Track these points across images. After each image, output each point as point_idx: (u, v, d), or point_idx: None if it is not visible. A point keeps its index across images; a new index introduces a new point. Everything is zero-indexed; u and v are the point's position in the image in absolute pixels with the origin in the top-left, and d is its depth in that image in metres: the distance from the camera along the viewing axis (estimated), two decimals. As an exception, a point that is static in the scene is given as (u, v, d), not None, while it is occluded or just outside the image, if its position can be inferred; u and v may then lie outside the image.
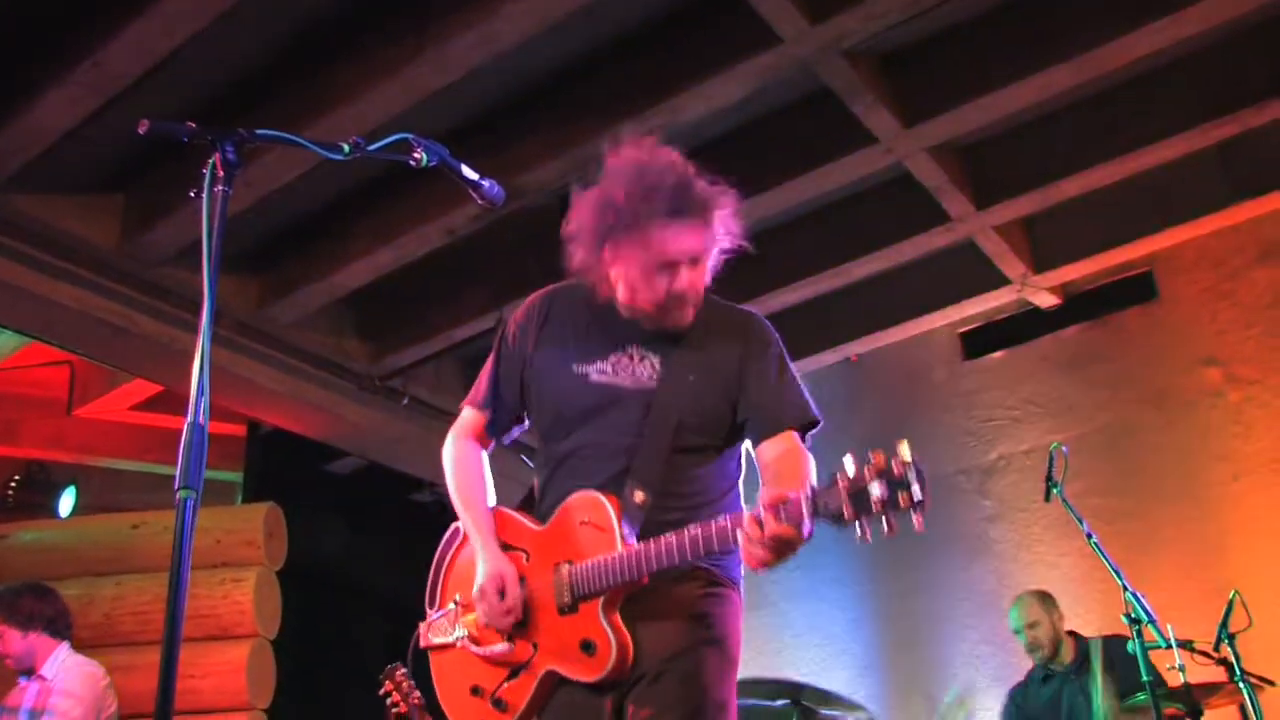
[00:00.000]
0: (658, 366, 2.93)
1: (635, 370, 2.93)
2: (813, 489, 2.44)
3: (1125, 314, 7.46)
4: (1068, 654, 5.90)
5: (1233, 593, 4.52)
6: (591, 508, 2.79)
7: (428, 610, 3.09)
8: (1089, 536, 4.63)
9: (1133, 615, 4.39)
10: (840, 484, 2.39)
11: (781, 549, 2.46)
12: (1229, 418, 6.93)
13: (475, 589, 2.87)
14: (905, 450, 2.35)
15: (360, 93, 5.15)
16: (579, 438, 2.93)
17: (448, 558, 3.11)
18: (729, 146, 6.05)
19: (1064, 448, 4.73)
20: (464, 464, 3.10)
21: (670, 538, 2.62)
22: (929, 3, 4.97)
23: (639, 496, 2.77)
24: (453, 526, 3.11)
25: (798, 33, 5.02)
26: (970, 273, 7.14)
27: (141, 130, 2.31)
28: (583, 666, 2.71)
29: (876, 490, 2.34)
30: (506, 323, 3.18)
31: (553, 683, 2.78)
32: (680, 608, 2.76)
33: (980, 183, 6.41)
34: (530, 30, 4.90)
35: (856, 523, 2.37)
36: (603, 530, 2.74)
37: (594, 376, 2.94)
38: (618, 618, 2.70)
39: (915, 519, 2.32)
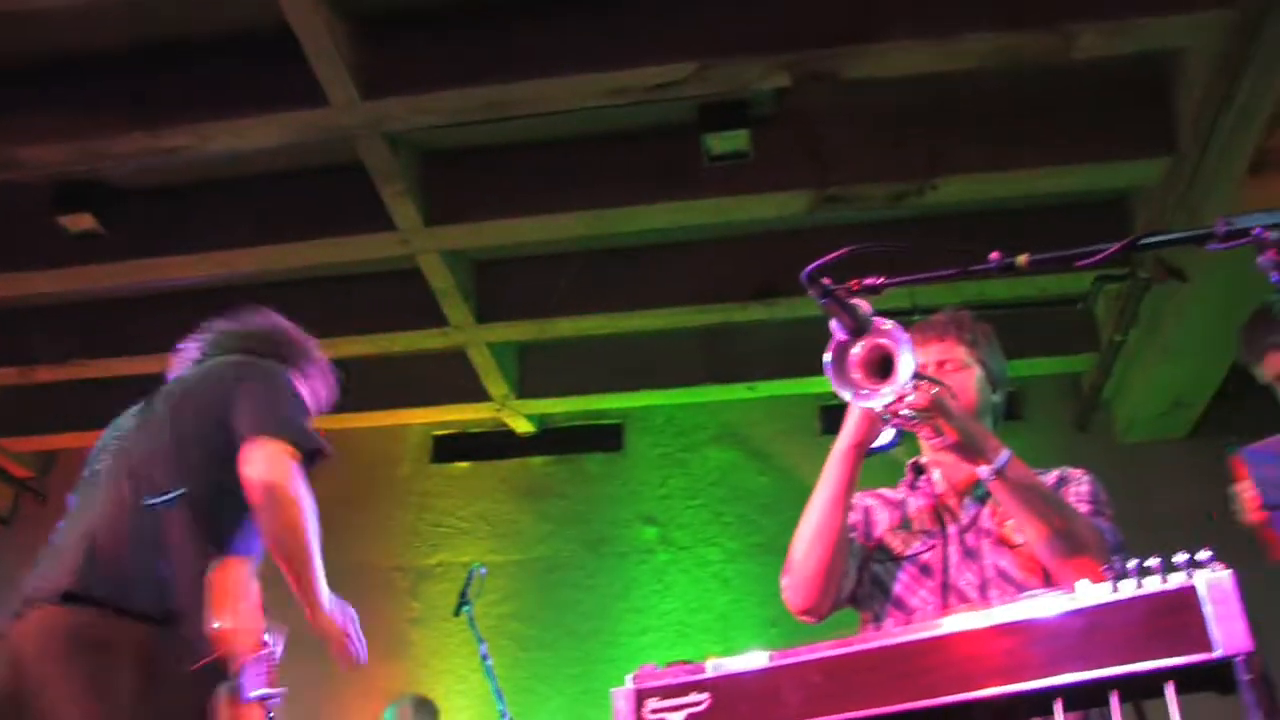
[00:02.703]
0: None
1: None
2: None
3: (590, 458, 7.83)
4: None
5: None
6: None
7: None
8: (484, 658, 4.76)
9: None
10: None
11: None
12: (654, 576, 7.40)
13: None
14: None
15: None
16: None
17: None
18: (255, 189, 5.94)
19: (483, 570, 4.87)
20: None
21: None
22: (472, 117, 5.11)
23: None
24: None
25: (347, 101, 4.99)
26: (456, 380, 7.25)
27: None
28: None
29: None
30: None
31: None
32: None
33: (485, 298, 6.57)
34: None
35: None
36: None
37: None
38: None
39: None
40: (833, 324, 2.11)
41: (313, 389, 3.42)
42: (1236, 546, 3.50)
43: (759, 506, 7.29)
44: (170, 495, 2.87)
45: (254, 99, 5.14)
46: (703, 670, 1.98)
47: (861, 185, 5.58)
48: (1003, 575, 2.48)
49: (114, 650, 2.71)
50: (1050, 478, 2.60)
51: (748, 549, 7.26)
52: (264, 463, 2.82)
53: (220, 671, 2.72)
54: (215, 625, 2.73)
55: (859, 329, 2.10)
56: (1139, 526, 3.13)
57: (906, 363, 2.11)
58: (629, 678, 2.04)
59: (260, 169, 5.83)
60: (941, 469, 2.70)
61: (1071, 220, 6.03)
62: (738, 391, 7.30)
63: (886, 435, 2.52)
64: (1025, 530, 2.40)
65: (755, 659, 1.96)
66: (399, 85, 5.02)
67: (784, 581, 2.59)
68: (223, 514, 2.93)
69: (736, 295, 6.37)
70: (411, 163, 5.59)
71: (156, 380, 3.50)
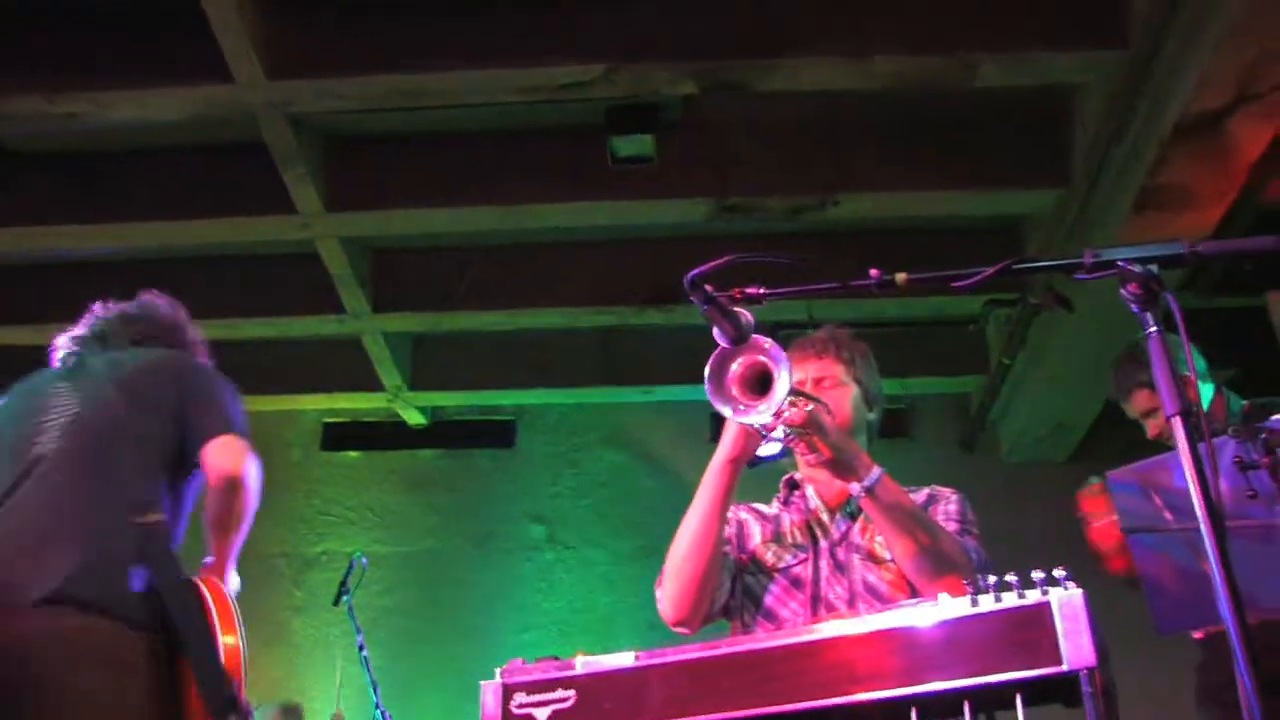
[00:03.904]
0: None
1: None
2: None
3: (482, 453, 7.82)
4: None
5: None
6: None
7: None
8: (360, 649, 4.73)
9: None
10: None
11: None
12: (538, 574, 7.42)
13: None
14: None
15: None
16: None
17: None
18: (156, 162, 5.85)
19: (364, 560, 4.84)
20: None
21: None
22: (378, 104, 5.09)
23: None
24: None
25: (252, 79, 4.92)
26: (350, 368, 7.20)
27: None
28: None
29: None
30: None
31: None
32: None
33: (383, 287, 6.53)
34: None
35: None
36: None
37: None
38: None
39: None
40: (714, 331, 2.14)
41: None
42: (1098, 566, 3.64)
43: (647, 510, 7.33)
44: (157, 516, 2.99)
45: (157, 70, 5.04)
46: (571, 667, 2.00)
47: (762, 197, 5.65)
48: (871, 590, 2.53)
49: (130, 667, 2.75)
50: (920, 496, 2.66)
51: (633, 551, 7.30)
52: (230, 456, 3.07)
53: (234, 696, 2.77)
54: (229, 647, 2.84)
55: (740, 337, 2.13)
56: (1017, 545, 3.22)
57: (784, 382, 2.15)
58: (498, 671, 2.05)
59: (163, 142, 5.75)
60: (815, 485, 2.75)
61: (968, 243, 6.16)
62: (632, 395, 7.34)
63: (773, 447, 2.56)
64: (893, 546, 2.46)
65: (622, 658, 1.99)
66: (306, 67, 4.97)
67: (659, 593, 2.61)
68: (175, 526, 3.11)
69: (634, 299, 6.41)
70: (315, 146, 5.54)
71: (40, 350, 3.45)
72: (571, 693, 1.98)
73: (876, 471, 2.44)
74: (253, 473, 3.10)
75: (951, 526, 2.57)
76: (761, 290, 2.00)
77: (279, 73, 4.93)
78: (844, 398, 2.70)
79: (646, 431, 7.57)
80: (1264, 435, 2.64)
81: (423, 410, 7.65)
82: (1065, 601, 1.75)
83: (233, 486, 3.03)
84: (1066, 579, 1.77)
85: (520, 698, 2.02)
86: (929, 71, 4.88)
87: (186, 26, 4.78)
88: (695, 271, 1.93)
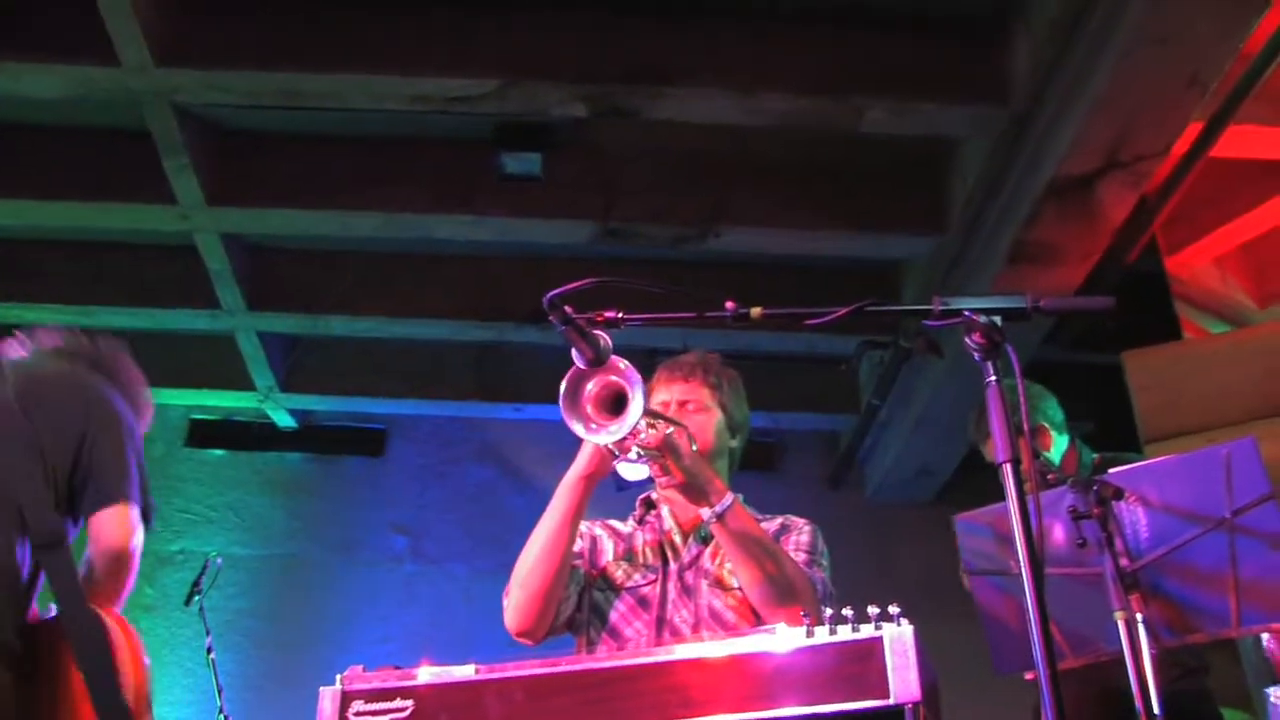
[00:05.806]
0: None
1: None
2: None
3: (351, 460, 7.73)
4: None
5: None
6: None
7: None
8: (208, 651, 4.66)
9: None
10: None
11: None
12: (399, 585, 7.36)
13: None
14: None
15: None
16: None
17: None
18: (31, 138, 5.70)
19: (219, 560, 4.76)
20: None
21: None
22: (267, 101, 5.03)
23: None
24: None
25: (139, 64, 4.82)
26: (221, 365, 7.07)
27: None
28: None
29: None
30: None
31: None
32: None
33: (260, 285, 6.42)
34: None
35: None
36: None
37: None
38: None
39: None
40: (572, 353, 2.16)
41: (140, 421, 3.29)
42: (957, 605, 3.73)
43: (513, 527, 7.18)
44: (56, 540, 2.72)
45: (38, 44, 4.90)
46: (412, 677, 2.01)
47: (645, 224, 5.69)
48: (715, 616, 2.56)
49: None
50: (773, 525, 2.71)
51: (496, 568, 7.15)
52: (120, 531, 2.82)
53: None
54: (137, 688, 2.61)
55: (597, 360, 2.16)
56: (880, 583, 3.28)
57: (637, 404, 2.19)
58: (338, 678, 2.04)
59: (40, 119, 5.59)
60: (670, 506, 2.78)
61: (847, 283, 6.26)
62: (505, 411, 7.34)
63: (640, 471, 2.59)
64: (740, 573, 2.50)
65: (463, 670, 2.00)
66: (195, 57, 4.88)
67: (505, 602, 2.63)
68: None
69: (513, 315, 6.40)
70: (200, 138, 5.43)
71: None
72: (410, 703, 1.99)
73: (729, 498, 2.48)
74: (139, 542, 2.86)
75: (801, 558, 2.61)
76: (620, 314, 2.03)
77: (167, 60, 4.83)
78: (707, 422, 2.74)
79: (517, 449, 7.55)
80: (1095, 487, 2.76)
81: (293, 413, 7.54)
82: (896, 637, 1.81)
83: (118, 564, 2.79)
84: (900, 615, 1.82)
85: (358, 705, 2.02)
86: (817, 113, 4.97)
87: (75, 4, 4.68)
88: (555, 292, 1.95)
